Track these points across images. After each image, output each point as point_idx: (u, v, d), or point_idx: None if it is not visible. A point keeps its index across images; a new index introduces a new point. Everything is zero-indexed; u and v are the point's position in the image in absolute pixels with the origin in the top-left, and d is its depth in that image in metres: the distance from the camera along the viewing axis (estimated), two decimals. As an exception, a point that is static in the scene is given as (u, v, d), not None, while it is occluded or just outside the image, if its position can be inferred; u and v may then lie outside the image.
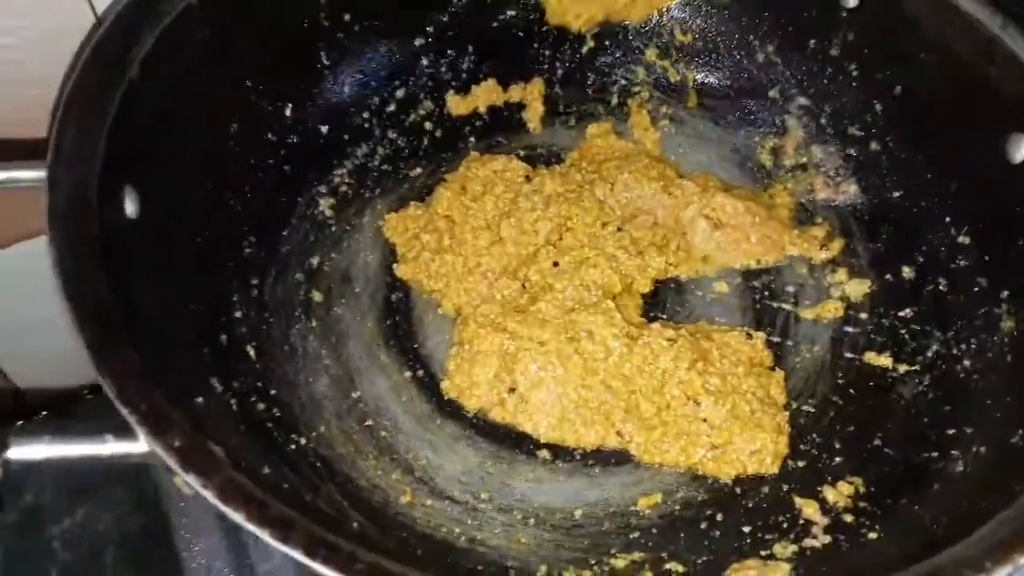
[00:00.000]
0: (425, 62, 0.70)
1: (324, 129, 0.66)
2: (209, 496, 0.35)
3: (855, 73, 0.66)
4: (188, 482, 0.35)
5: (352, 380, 0.58)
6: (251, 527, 0.34)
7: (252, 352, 0.56)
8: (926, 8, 0.60)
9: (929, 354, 0.57)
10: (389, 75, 0.69)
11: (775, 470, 0.54)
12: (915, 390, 0.56)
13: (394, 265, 0.63)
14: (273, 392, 0.55)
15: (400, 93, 0.69)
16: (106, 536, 0.84)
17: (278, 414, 0.54)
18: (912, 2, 0.61)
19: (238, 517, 0.34)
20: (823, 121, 0.68)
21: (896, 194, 0.64)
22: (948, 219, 0.60)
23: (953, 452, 0.51)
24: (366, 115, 0.68)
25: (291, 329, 0.59)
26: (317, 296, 0.61)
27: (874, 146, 0.65)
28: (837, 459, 0.55)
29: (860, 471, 0.53)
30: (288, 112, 0.64)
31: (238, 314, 0.57)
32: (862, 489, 0.52)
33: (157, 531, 0.71)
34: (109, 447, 0.38)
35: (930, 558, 0.37)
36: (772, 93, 0.69)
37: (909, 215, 0.63)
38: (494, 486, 0.54)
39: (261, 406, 0.53)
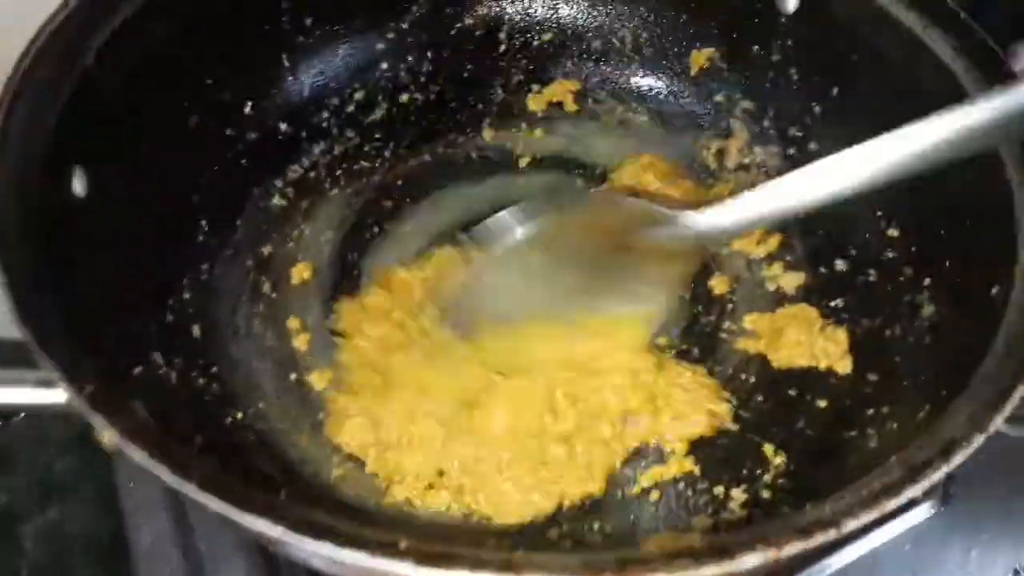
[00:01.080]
0: (384, 66, 0.72)
1: (283, 127, 0.69)
2: (114, 436, 0.37)
3: (795, 77, 0.68)
4: (95, 425, 0.37)
5: (296, 360, 0.60)
6: (152, 464, 0.36)
7: (197, 331, 0.58)
8: (858, 14, 0.62)
9: (856, 340, 0.59)
10: (349, 77, 0.71)
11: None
12: (842, 374, 0.58)
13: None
14: (215, 369, 0.57)
15: (359, 95, 0.72)
16: (75, 536, 0.86)
17: (218, 389, 0.56)
18: (845, 9, 0.63)
19: (141, 456, 0.36)
20: (765, 124, 0.70)
21: (831, 191, 0.65)
22: (879, 213, 0.62)
23: (869, 430, 0.52)
24: (325, 114, 0.70)
25: (238, 311, 0.61)
26: (266, 284, 0.63)
27: (812, 146, 0.67)
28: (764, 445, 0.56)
29: (783, 452, 0.55)
30: (248, 109, 0.67)
31: (187, 295, 0.59)
32: (782, 468, 0.54)
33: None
34: (27, 394, 0.40)
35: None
36: (717, 97, 0.72)
37: (843, 211, 0.64)
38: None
39: (201, 381, 0.55)
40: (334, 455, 0.55)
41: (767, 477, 0.54)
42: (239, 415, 0.55)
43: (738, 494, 0.53)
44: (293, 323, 0.61)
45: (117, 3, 0.56)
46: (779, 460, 0.54)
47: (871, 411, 0.53)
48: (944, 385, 0.48)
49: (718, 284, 0.64)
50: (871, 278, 0.61)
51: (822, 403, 0.57)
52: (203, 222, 0.62)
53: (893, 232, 0.61)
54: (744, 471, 0.55)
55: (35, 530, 0.86)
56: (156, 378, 0.52)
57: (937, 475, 0.37)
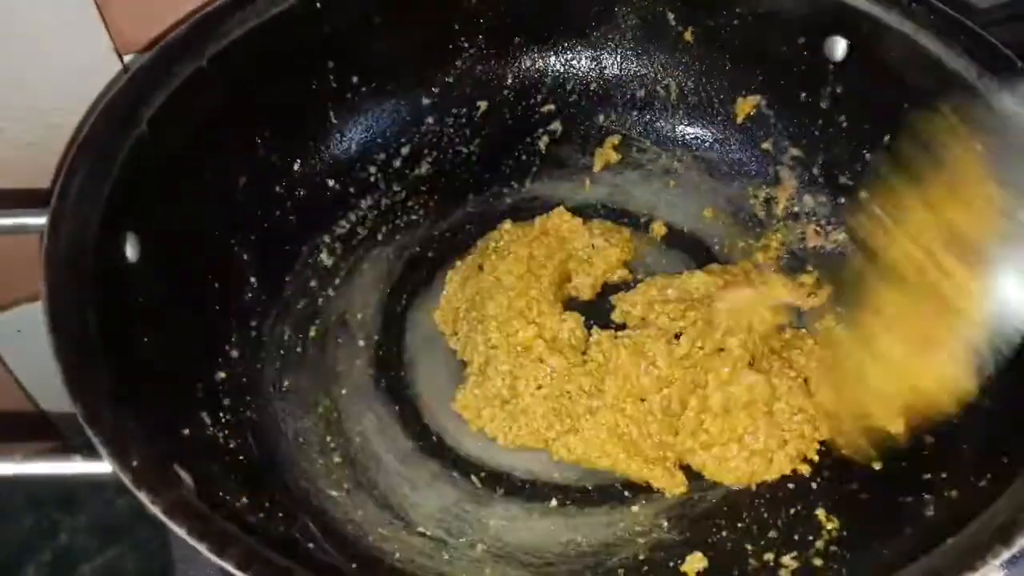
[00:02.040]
0: (430, 120, 0.73)
1: (331, 183, 0.69)
2: (157, 512, 0.37)
3: (844, 124, 0.67)
4: (140, 499, 0.38)
5: (339, 417, 0.60)
6: (192, 541, 0.36)
7: (245, 389, 0.58)
8: (908, 62, 0.61)
9: (911, 399, 0.57)
10: (395, 132, 0.72)
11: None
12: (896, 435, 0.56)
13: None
14: (261, 428, 0.57)
15: (405, 150, 0.72)
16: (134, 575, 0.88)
17: (263, 448, 0.56)
18: (895, 56, 0.62)
19: (181, 531, 0.37)
20: (815, 171, 0.69)
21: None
22: (935, 264, 0.60)
23: (926, 496, 0.50)
24: (372, 170, 0.71)
25: (285, 368, 0.61)
26: (314, 338, 0.64)
27: (863, 194, 0.66)
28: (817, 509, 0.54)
29: (836, 517, 0.53)
30: (297, 167, 0.68)
31: (235, 354, 0.60)
32: (835, 534, 0.52)
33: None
34: (76, 466, 0.41)
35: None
36: (765, 145, 0.71)
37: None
38: (468, 523, 0.55)
39: (248, 440, 0.56)
40: (381, 513, 0.55)
41: (819, 544, 0.52)
42: (284, 474, 0.55)
43: (788, 561, 0.51)
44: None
45: (170, 71, 0.58)
46: (832, 525, 0.53)
47: (928, 476, 0.51)
48: (1005, 451, 0.46)
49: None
50: (926, 332, 0.59)
51: (876, 465, 0.55)
52: (252, 279, 0.63)
53: (949, 284, 0.58)
54: (796, 536, 0.53)
55: (93, 569, 0.88)
56: (203, 439, 0.53)
57: (998, 560, 0.36)
